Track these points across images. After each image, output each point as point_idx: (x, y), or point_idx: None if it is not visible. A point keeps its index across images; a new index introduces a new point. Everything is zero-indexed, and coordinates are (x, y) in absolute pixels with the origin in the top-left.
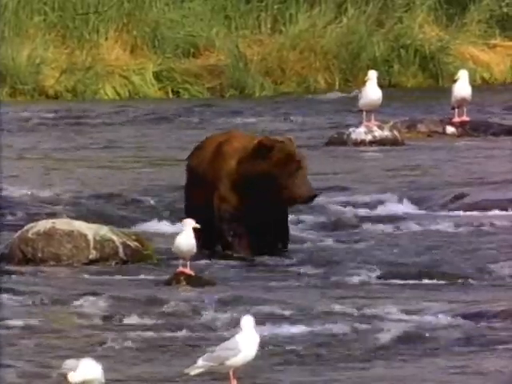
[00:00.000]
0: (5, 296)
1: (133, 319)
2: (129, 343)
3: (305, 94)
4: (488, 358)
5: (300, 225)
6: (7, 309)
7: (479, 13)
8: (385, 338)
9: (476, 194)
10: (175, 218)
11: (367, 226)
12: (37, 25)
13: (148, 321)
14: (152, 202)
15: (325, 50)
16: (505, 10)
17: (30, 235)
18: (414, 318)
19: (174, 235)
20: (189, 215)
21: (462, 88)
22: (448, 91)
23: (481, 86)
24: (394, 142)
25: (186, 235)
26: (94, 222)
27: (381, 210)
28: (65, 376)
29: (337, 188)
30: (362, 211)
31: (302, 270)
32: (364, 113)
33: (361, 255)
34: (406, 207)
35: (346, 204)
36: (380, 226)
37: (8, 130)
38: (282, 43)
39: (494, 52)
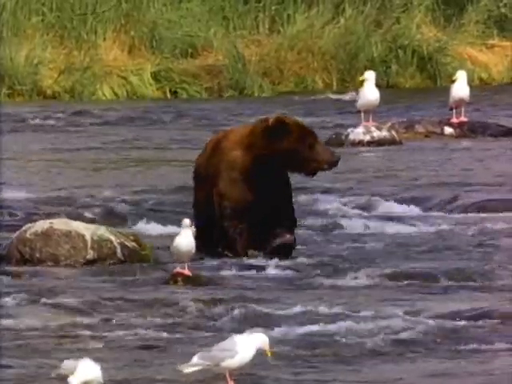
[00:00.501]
0: (3, 296)
1: (130, 319)
2: (127, 343)
3: (303, 95)
4: (488, 359)
5: (299, 225)
6: (5, 309)
7: (477, 13)
8: (384, 339)
9: (474, 194)
10: (173, 218)
11: (365, 226)
12: (35, 25)
13: (146, 321)
14: (150, 202)
15: (323, 51)
16: (503, 10)
17: (27, 235)
18: (413, 319)
19: (172, 236)
20: (195, 214)
21: (460, 89)
22: (446, 92)
23: (479, 87)
24: (392, 143)
25: (184, 236)
26: (91, 223)
27: (379, 211)
28: (63, 377)
29: (335, 188)
30: (361, 212)
31: (301, 270)
32: (362, 113)
33: (359, 256)
34: (403, 208)
35: (343, 204)
36: (378, 227)
37: (6, 131)
38: (279, 43)
39: (492, 52)
